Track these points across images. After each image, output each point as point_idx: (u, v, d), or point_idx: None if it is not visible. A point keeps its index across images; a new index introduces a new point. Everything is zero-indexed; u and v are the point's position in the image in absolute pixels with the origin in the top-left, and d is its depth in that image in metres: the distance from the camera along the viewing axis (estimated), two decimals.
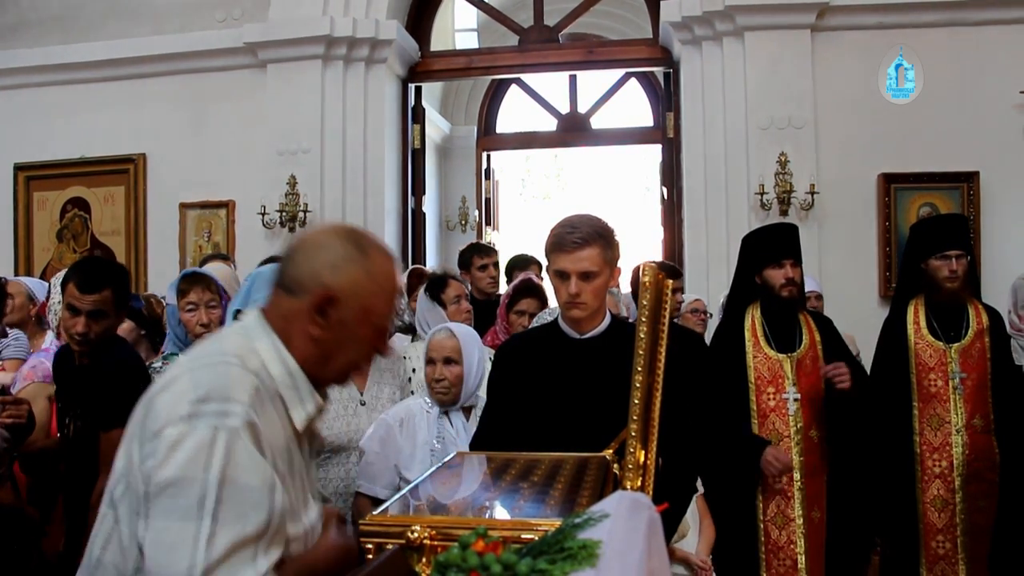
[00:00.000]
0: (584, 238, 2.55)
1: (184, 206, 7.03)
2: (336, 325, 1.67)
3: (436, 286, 4.17)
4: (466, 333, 3.36)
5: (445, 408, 3.23)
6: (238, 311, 3.19)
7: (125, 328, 3.74)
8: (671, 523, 2.72)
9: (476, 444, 2.77)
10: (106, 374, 3.05)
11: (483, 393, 3.11)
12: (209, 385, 1.55)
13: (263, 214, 6.64)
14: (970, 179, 6.10)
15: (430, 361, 3.28)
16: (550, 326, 2.83)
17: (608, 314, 2.74)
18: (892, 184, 6.18)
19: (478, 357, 3.24)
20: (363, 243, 1.71)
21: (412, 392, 3.69)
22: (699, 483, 3.70)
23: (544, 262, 2.72)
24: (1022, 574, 3.87)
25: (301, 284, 1.67)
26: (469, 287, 5.22)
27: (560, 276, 2.59)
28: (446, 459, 2.26)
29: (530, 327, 3.68)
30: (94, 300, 3.03)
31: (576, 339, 2.69)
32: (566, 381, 2.62)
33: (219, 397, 1.54)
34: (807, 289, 4.70)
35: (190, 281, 3.63)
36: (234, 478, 1.49)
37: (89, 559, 1.65)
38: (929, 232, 4.02)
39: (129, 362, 3.21)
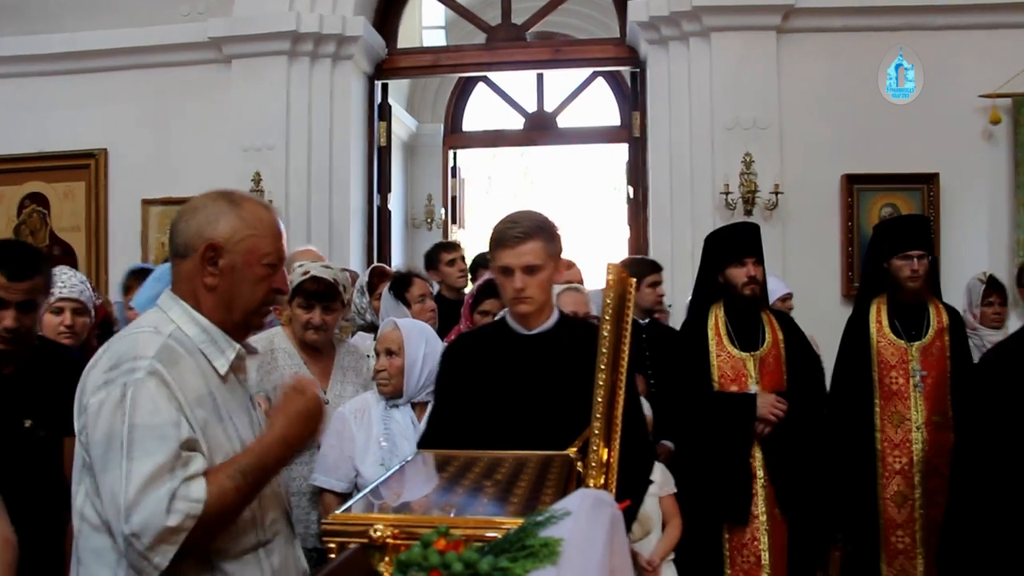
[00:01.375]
0: (526, 232, 2.56)
1: (147, 202, 6.92)
2: (227, 271, 1.91)
3: (400, 285, 4.16)
4: (412, 327, 3.33)
5: (392, 401, 3.22)
6: None
7: (84, 324, 3.54)
8: (629, 517, 2.72)
9: (423, 444, 2.73)
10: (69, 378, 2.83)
11: None
12: (119, 353, 1.80)
13: None
14: (930, 181, 6.18)
15: (376, 354, 3.29)
16: (498, 323, 2.83)
17: (556, 310, 2.74)
18: (855, 185, 6.24)
19: (425, 352, 3.17)
20: (234, 197, 1.97)
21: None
22: (672, 483, 3.72)
23: None
24: (969, 568, 3.93)
25: (188, 245, 1.91)
26: (438, 286, 5.22)
27: (504, 272, 2.60)
28: (410, 457, 2.25)
29: (479, 325, 3.68)
30: (25, 289, 2.58)
31: (524, 335, 2.68)
32: (514, 378, 2.62)
33: (127, 359, 1.78)
34: (778, 293, 4.76)
35: (135, 277, 3.54)
36: (141, 422, 1.71)
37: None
38: (891, 232, 4.07)
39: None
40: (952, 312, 4.02)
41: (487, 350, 2.73)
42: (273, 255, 1.97)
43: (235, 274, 1.92)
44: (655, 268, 4.74)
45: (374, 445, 3.16)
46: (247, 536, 1.89)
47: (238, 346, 1.96)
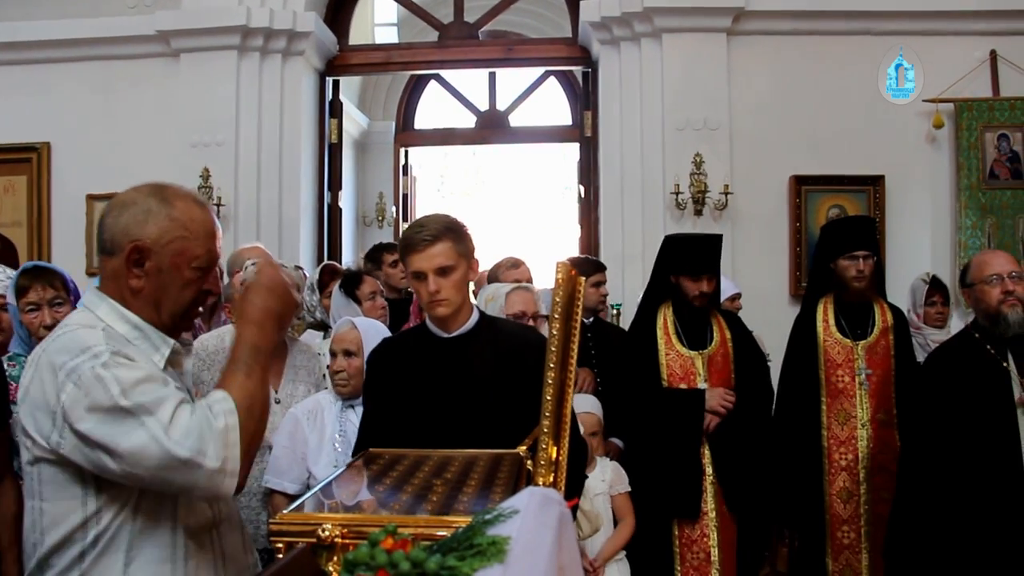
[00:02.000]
0: (434, 234, 2.57)
1: (92, 198, 6.77)
2: (154, 273, 1.82)
3: (351, 282, 4.14)
4: (369, 326, 3.34)
5: (349, 402, 3.20)
6: None
7: None
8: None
9: (356, 451, 2.72)
10: None
11: None
12: (66, 351, 1.71)
13: None
14: (876, 183, 6.29)
15: (332, 354, 3.28)
16: (418, 328, 2.82)
17: (476, 311, 2.75)
18: (803, 186, 6.33)
19: None
20: (166, 194, 1.87)
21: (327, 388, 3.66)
22: (625, 481, 3.74)
23: None
24: (915, 560, 4.02)
25: (115, 243, 1.82)
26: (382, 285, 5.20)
27: (418, 277, 2.61)
28: (360, 456, 2.24)
29: (404, 330, 3.67)
30: None
31: (444, 338, 2.68)
32: (436, 382, 2.62)
33: (79, 351, 1.70)
34: (727, 292, 4.84)
35: (31, 276, 3.12)
36: (133, 378, 1.67)
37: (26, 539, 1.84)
38: (838, 233, 4.13)
39: None
40: (896, 312, 4.10)
41: (409, 355, 2.72)
42: (203, 258, 1.89)
43: (162, 277, 1.84)
44: (599, 268, 4.78)
45: (328, 446, 3.14)
46: (202, 510, 1.88)
47: (173, 341, 1.91)
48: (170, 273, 1.84)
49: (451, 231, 2.60)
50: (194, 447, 1.65)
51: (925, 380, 3.69)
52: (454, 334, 2.68)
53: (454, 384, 2.61)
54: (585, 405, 3.78)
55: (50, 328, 2.96)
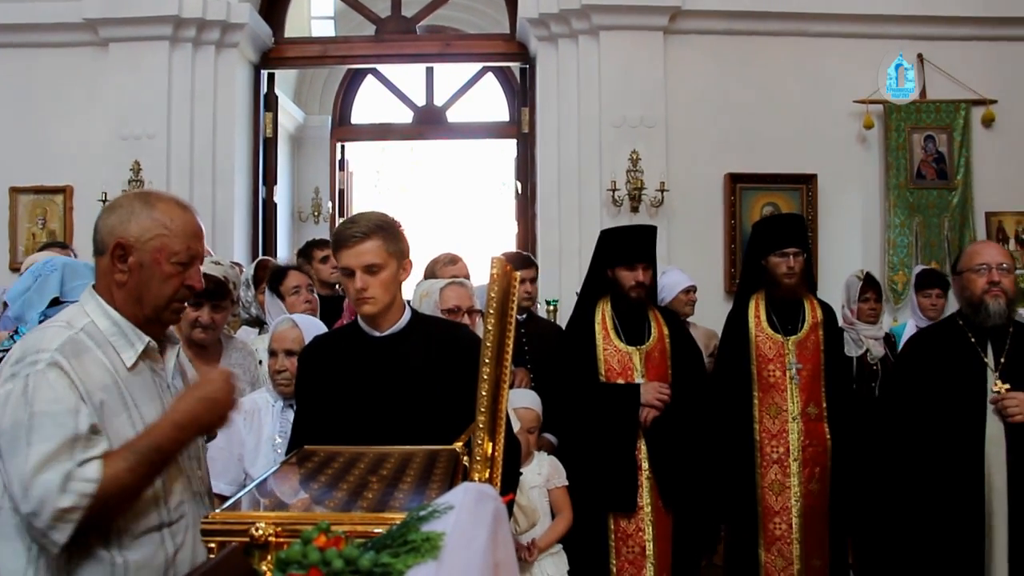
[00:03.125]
0: (364, 231, 2.55)
1: (15, 191, 6.60)
2: (135, 268, 2.00)
3: (275, 278, 4.11)
4: (310, 324, 3.30)
5: (288, 401, 3.17)
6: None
7: None
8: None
9: (289, 451, 2.69)
10: None
11: None
12: (25, 347, 1.92)
13: (104, 201, 6.31)
14: (809, 181, 6.42)
15: (272, 353, 3.23)
16: (350, 326, 2.79)
17: (408, 309, 2.73)
18: (738, 184, 6.43)
19: None
20: (149, 198, 2.07)
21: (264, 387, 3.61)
22: (563, 476, 3.75)
23: None
24: (859, 548, 4.12)
25: (103, 242, 2.02)
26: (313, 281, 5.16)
27: (346, 273, 2.58)
28: (295, 453, 2.21)
29: (335, 327, 3.65)
30: None
31: (375, 337, 2.66)
32: (368, 381, 2.60)
33: (31, 352, 1.88)
34: (682, 285, 4.93)
35: None
36: (40, 410, 1.81)
37: None
38: (769, 231, 4.20)
39: None
40: (826, 307, 4.17)
41: (340, 354, 2.69)
42: (183, 254, 2.04)
43: (143, 271, 2.01)
44: (528, 263, 4.78)
45: (266, 446, 3.10)
46: (149, 516, 1.96)
47: (148, 339, 2.05)
48: (150, 268, 2.01)
49: (383, 229, 2.57)
50: (33, 504, 1.77)
51: (902, 361, 3.75)
52: (386, 333, 2.66)
53: (385, 383, 2.59)
54: (524, 400, 3.78)
55: None
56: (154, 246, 2.00)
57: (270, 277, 4.13)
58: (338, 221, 8.83)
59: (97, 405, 1.88)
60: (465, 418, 2.07)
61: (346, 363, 2.65)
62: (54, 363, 1.86)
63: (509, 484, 2.77)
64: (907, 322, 5.27)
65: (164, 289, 2.03)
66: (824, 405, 3.99)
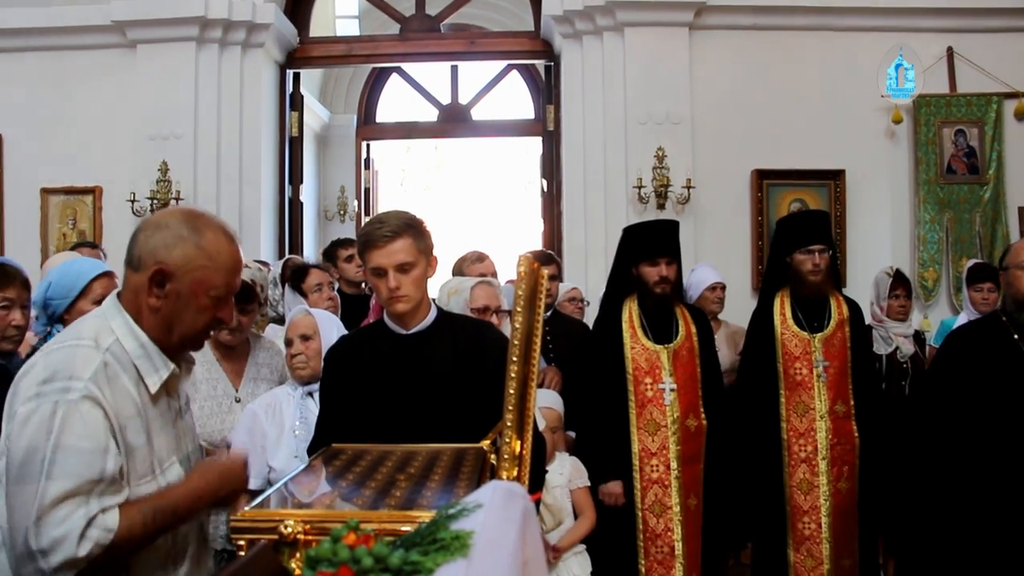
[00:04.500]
0: (394, 231, 2.54)
1: (46, 191, 6.68)
2: (172, 296, 1.90)
3: (296, 276, 4.14)
4: (323, 315, 3.36)
5: (308, 388, 3.19)
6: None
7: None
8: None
9: (312, 449, 2.70)
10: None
11: None
12: (55, 367, 1.79)
13: (133, 201, 6.38)
14: (837, 177, 6.36)
15: (288, 342, 3.27)
16: (377, 324, 2.80)
17: (433, 307, 2.73)
18: (764, 180, 6.39)
19: (339, 335, 3.17)
20: (198, 223, 1.94)
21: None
22: (584, 476, 3.74)
23: None
24: (888, 546, 4.08)
25: (141, 260, 1.90)
26: (337, 282, 5.18)
27: (377, 273, 2.58)
28: (321, 452, 2.22)
29: (362, 326, 3.66)
30: None
31: (403, 335, 2.67)
32: (395, 378, 2.61)
33: (63, 376, 1.76)
34: (708, 281, 4.89)
35: None
36: (67, 443, 1.71)
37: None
38: (793, 228, 4.17)
39: None
40: (852, 304, 4.13)
41: (367, 352, 2.70)
42: (222, 288, 1.96)
43: (179, 301, 1.91)
44: (550, 260, 4.78)
45: (287, 437, 3.12)
46: (159, 549, 1.91)
47: (172, 366, 1.96)
48: (187, 299, 1.92)
49: (411, 228, 2.58)
50: (46, 543, 1.68)
51: (942, 358, 3.71)
52: (412, 331, 2.66)
53: (412, 381, 2.59)
54: (546, 400, 3.78)
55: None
56: (195, 278, 1.90)
57: (291, 275, 4.16)
58: (363, 220, 8.87)
59: (124, 440, 1.81)
60: (491, 416, 2.07)
61: (373, 361, 2.66)
62: (90, 396, 1.76)
63: (536, 482, 2.76)
64: (959, 316, 5.19)
65: (197, 321, 1.95)
66: (852, 403, 3.96)
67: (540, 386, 3.67)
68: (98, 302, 2.73)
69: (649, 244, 3.95)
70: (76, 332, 1.90)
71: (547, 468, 3.38)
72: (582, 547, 3.67)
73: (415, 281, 2.58)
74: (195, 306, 1.93)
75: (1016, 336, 3.43)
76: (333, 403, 2.72)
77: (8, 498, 1.74)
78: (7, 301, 2.92)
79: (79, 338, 1.87)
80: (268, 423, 3.15)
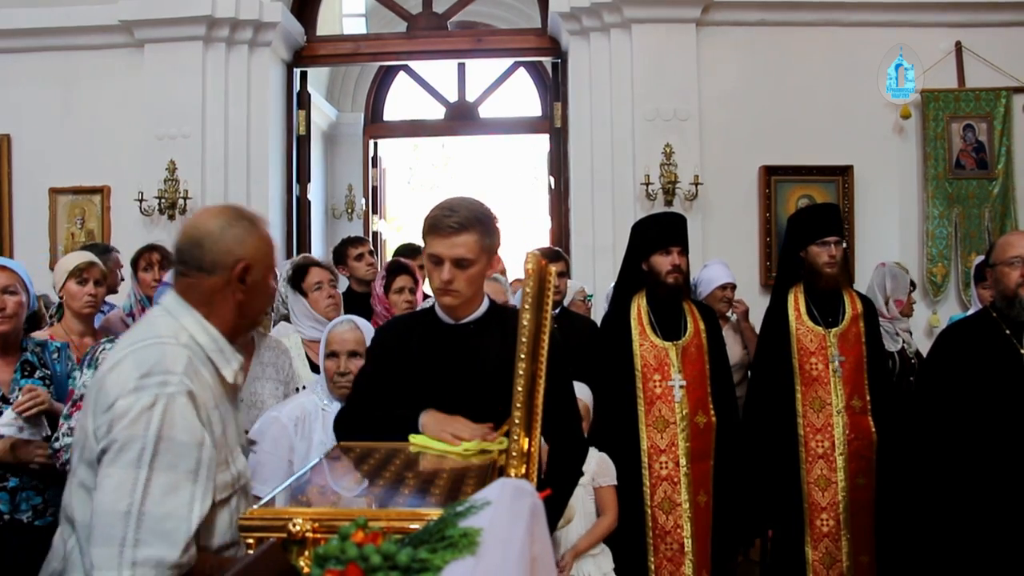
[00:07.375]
0: (462, 223, 2.40)
1: (54, 191, 6.68)
2: (253, 286, 2.06)
3: (296, 275, 4.10)
4: (367, 325, 3.26)
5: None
6: None
7: None
8: (557, 508, 2.71)
9: (346, 408, 2.67)
10: None
11: None
12: (150, 362, 1.88)
13: (141, 200, 6.39)
14: (845, 172, 6.34)
15: (332, 355, 3.17)
16: (427, 311, 2.71)
17: (486, 299, 2.63)
18: (772, 176, 6.36)
19: None
20: (248, 215, 2.11)
21: (296, 389, 3.58)
22: (612, 474, 3.72)
23: None
24: (905, 544, 4.06)
25: (217, 263, 2.01)
26: (348, 281, 5.18)
27: (434, 261, 2.46)
28: (331, 450, 2.22)
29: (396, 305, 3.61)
30: None
31: (451, 325, 2.58)
32: (439, 367, 2.53)
33: (159, 371, 1.87)
34: (719, 281, 4.88)
35: None
36: (169, 435, 1.81)
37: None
38: (808, 221, 4.15)
39: None
40: (865, 300, 4.12)
41: (414, 336, 2.61)
42: (274, 268, 2.17)
43: (257, 288, 2.08)
44: (558, 257, 4.77)
45: (316, 452, 3.02)
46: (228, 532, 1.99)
47: (240, 357, 2.09)
48: (263, 284, 2.11)
49: (481, 223, 2.44)
50: (147, 538, 1.76)
51: (934, 354, 3.70)
52: (462, 321, 2.58)
53: (458, 371, 2.50)
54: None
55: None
56: (266, 264, 2.09)
57: (292, 274, 4.11)
58: (371, 218, 8.88)
59: (209, 431, 1.90)
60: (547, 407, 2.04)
61: (420, 347, 2.58)
62: (187, 390, 1.87)
63: (568, 482, 2.73)
64: (968, 312, 5.16)
65: (264, 303, 2.16)
66: (868, 398, 3.94)
67: None
68: None
69: (661, 233, 3.94)
70: (154, 331, 1.99)
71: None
72: (601, 547, 3.63)
73: (470, 278, 2.46)
74: (266, 290, 2.13)
75: (1008, 331, 3.43)
76: (377, 370, 2.64)
77: (99, 477, 1.82)
78: None
79: (158, 336, 1.96)
80: (297, 436, 3.08)
